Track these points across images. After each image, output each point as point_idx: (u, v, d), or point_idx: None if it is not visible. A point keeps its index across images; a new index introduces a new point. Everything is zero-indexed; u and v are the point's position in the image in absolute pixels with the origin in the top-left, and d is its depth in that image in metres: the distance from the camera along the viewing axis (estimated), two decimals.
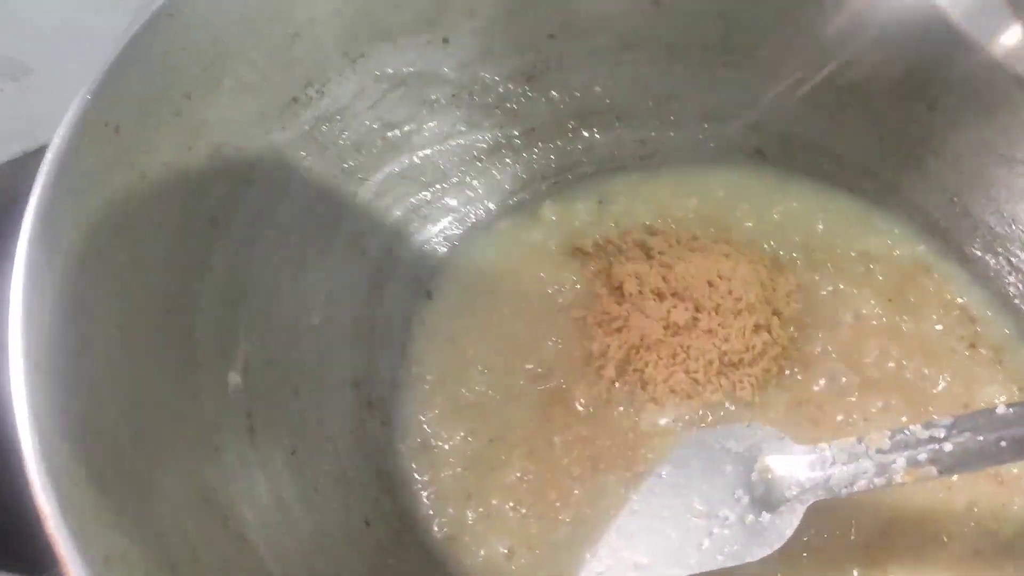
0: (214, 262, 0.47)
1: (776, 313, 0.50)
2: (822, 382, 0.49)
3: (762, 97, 0.60)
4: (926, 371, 0.48)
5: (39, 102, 0.56)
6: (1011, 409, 0.39)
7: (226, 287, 0.47)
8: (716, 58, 0.60)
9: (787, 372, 0.49)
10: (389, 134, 0.57)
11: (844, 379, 0.48)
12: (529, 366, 0.50)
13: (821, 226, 0.55)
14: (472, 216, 0.60)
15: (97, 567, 0.32)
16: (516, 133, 0.61)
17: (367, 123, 0.56)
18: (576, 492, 0.48)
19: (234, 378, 0.45)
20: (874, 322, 0.50)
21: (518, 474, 0.48)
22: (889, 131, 0.56)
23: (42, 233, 0.37)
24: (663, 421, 0.48)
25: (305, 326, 0.51)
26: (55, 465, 0.33)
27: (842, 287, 0.52)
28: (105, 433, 0.36)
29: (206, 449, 0.41)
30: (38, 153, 0.59)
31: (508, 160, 0.61)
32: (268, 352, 0.48)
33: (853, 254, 0.54)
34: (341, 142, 0.55)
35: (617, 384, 0.49)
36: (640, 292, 0.50)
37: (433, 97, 0.59)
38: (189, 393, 0.42)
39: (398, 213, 0.57)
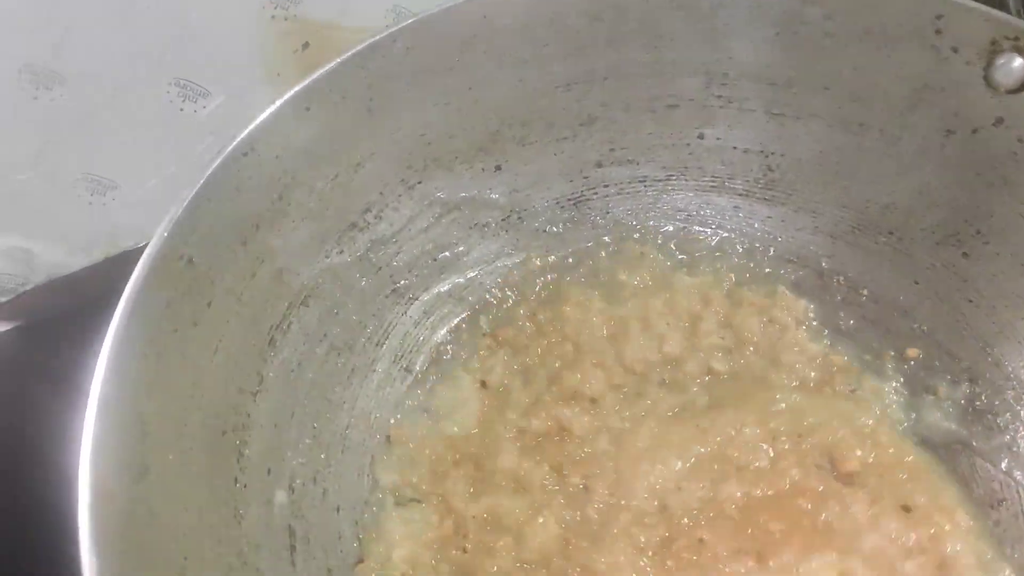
0: (268, 382, 0.51)
1: None
2: None
3: (800, 233, 0.62)
4: None
5: (122, 214, 0.61)
6: None
7: (278, 406, 0.51)
8: (756, 192, 0.63)
9: None
10: (440, 256, 0.61)
11: None
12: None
13: None
14: None
15: None
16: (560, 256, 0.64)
17: (420, 245, 0.60)
18: None
19: (280, 496, 0.48)
20: None
21: None
22: (924, 275, 0.58)
23: (115, 370, 0.41)
24: None
25: (349, 442, 0.54)
26: None
27: None
28: (158, 559, 0.40)
29: (249, 571, 0.44)
30: (118, 258, 0.65)
31: None
32: (313, 469, 0.51)
33: None
34: (395, 263, 0.59)
35: None
36: None
37: (484, 221, 0.62)
38: (235, 514, 0.45)
39: (443, 331, 0.61)
